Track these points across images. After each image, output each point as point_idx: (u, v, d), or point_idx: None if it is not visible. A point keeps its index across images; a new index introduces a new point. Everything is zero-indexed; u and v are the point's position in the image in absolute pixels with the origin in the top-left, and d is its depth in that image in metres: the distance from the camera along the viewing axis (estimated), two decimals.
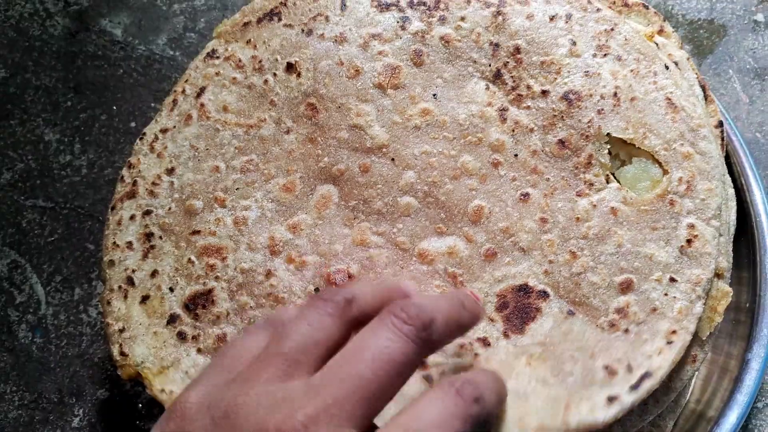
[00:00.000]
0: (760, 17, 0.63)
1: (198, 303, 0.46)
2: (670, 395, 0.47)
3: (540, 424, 0.41)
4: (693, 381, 0.53)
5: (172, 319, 0.46)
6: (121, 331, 0.46)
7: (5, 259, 0.61)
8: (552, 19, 0.51)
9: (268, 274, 0.46)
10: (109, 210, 0.50)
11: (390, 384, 0.32)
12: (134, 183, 0.50)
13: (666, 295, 0.44)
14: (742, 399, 0.49)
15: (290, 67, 0.51)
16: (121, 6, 0.69)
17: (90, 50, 0.68)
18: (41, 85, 0.67)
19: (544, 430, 0.40)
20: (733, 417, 0.48)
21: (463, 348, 0.45)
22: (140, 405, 0.57)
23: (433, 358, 0.44)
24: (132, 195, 0.50)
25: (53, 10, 0.69)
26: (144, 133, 0.52)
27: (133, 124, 0.65)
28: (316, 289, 0.46)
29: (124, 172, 0.51)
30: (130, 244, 0.48)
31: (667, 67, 0.49)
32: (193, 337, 0.45)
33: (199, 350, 0.45)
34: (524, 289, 0.46)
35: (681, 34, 0.48)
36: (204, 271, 0.47)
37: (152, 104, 0.66)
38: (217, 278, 0.47)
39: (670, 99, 0.49)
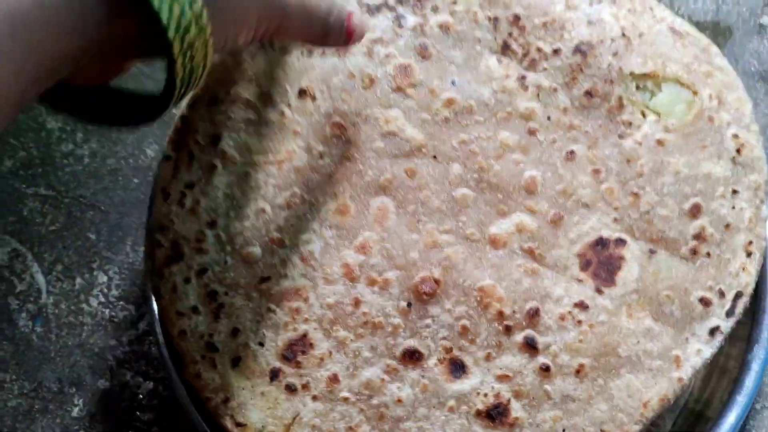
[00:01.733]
0: (766, 20, 0.65)
1: (296, 350, 0.44)
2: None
3: (661, 397, 0.42)
4: (692, 381, 0.52)
5: (275, 374, 0.44)
6: (225, 401, 0.43)
7: (6, 247, 0.61)
8: None
9: (356, 302, 0.45)
10: (155, 278, 0.47)
11: None
12: (175, 245, 0.48)
13: (734, 208, 0.46)
14: (741, 400, 0.49)
15: (303, 93, 0.50)
16: None
17: None
18: None
19: (665, 400, 0.42)
20: (731, 417, 0.49)
21: (564, 319, 0.45)
22: (140, 396, 0.57)
23: (542, 340, 0.44)
24: (177, 258, 0.47)
25: None
26: (168, 193, 0.49)
27: None
28: (408, 304, 0.45)
29: (158, 236, 0.49)
30: (195, 309, 0.46)
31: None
32: (303, 386, 0.44)
33: (314, 398, 0.43)
34: (601, 242, 0.46)
35: None
36: (290, 317, 0.45)
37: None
38: (306, 320, 0.45)
39: (673, 27, 0.50)
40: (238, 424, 0.43)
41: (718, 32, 0.65)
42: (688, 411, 0.52)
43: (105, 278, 0.60)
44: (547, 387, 0.43)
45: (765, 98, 0.63)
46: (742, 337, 0.51)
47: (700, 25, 0.66)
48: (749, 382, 0.49)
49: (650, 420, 0.43)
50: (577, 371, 0.44)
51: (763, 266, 0.52)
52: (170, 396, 0.56)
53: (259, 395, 0.44)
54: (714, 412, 0.50)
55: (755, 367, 0.50)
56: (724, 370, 0.52)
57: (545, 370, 0.44)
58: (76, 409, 0.57)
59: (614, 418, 0.43)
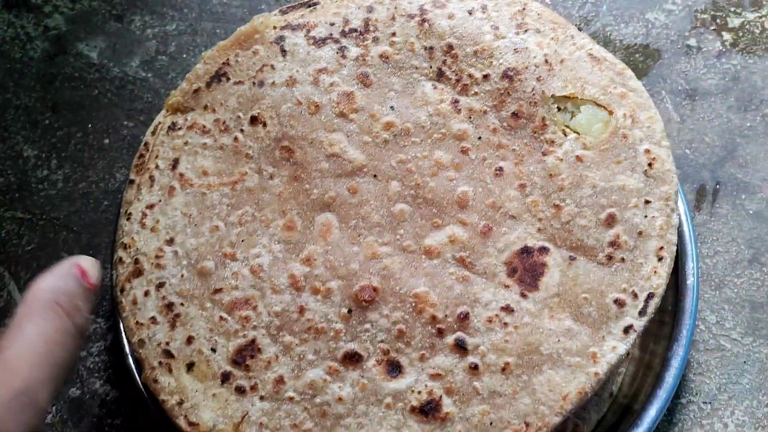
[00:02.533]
0: (692, 42, 0.70)
1: (245, 355, 0.48)
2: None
3: (579, 390, 0.46)
4: (621, 378, 0.57)
5: (226, 377, 0.48)
6: (180, 403, 0.47)
7: None
8: (470, 13, 0.56)
9: (301, 310, 0.49)
10: (117, 293, 0.51)
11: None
12: (136, 261, 0.52)
13: (646, 216, 0.50)
14: (662, 394, 0.53)
15: (254, 120, 0.54)
16: (97, 31, 0.74)
17: (67, 72, 0.73)
18: (21, 104, 0.72)
19: (583, 393, 0.46)
20: (653, 411, 0.53)
21: (491, 321, 0.49)
22: (110, 402, 0.61)
23: (471, 341, 0.48)
24: (138, 273, 0.51)
25: (33, 34, 0.75)
26: (130, 213, 0.53)
27: (106, 141, 0.70)
28: (349, 311, 0.49)
29: (121, 253, 0.53)
30: (153, 319, 0.50)
31: (579, 29, 0.56)
32: (252, 388, 0.47)
33: (262, 398, 0.47)
34: (526, 251, 0.51)
35: (618, 58, 0.54)
36: (240, 324, 0.49)
37: (125, 122, 0.70)
38: (254, 327, 0.49)
39: (591, 54, 0.55)
40: (191, 424, 0.47)
41: (648, 54, 0.70)
42: (618, 405, 0.56)
43: None
44: (476, 384, 0.47)
45: (692, 114, 0.68)
46: (665, 336, 0.56)
47: (630, 48, 0.71)
48: (669, 377, 0.54)
49: (570, 412, 0.47)
50: (503, 369, 0.48)
51: (681, 270, 0.57)
52: (137, 402, 0.60)
53: (210, 397, 0.47)
54: (640, 405, 0.54)
55: (675, 363, 0.54)
56: (649, 367, 0.56)
57: (474, 368, 0.48)
58: (49, 416, 0.61)
59: (537, 411, 0.47)
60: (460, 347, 0.48)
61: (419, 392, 0.48)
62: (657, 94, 0.69)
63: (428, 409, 0.47)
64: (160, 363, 0.49)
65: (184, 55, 0.72)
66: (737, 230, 0.62)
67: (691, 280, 0.56)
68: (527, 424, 0.46)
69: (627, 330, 0.48)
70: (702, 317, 0.59)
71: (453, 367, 0.48)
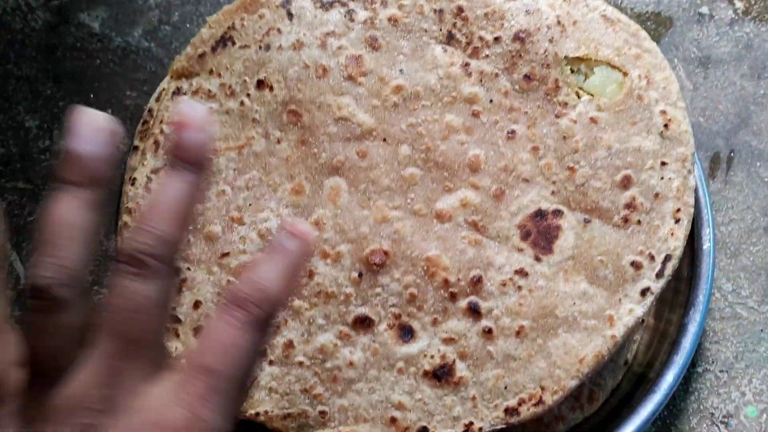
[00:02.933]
0: (704, 9, 0.68)
1: None
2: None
3: (595, 353, 0.45)
4: (636, 346, 0.56)
5: None
6: None
7: None
8: None
9: (310, 274, 0.48)
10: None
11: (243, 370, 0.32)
12: None
13: (662, 178, 0.49)
14: (678, 360, 0.52)
15: (261, 84, 0.53)
16: (99, 1, 0.73)
17: (69, 42, 0.72)
18: (22, 75, 0.71)
19: (599, 356, 0.45)
20: (670, 377, 0.52)
21: (505, 285, 0.48)
22: None
23: (485, 305, 0.47)
24: None
25: (34, 4, 0.73)
26: (134, 178, 0.52)
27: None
28: (360, 274, 0.48)
29: (126, 218, 0.52)
30: None
31: None
32: (260, 352, 0.46)
33: (271, 362, 0.46)
34: (539, 214, 0.50)
35: None
36: None
37: (127, 92, 0.69)
38: None
39: (605, 15, 0.54)
40: None
41: (659, 22, 0.69)
42: (632, 373, 0.55)
43: None
44: (490, 348, 0.47)
45: (704, 82, 0.66)
46: (681, 304, 0.55)
47: (642, 16, 0.69)
48: (686, 343, 0.52)
49: (586, 375, 0.46)
50: (518, 332, 0.47)
51: (697, 232, 0.56)
52: None
53: None
54: (655, 373, 0.53)
55: (692, 329, 0.53)
56: (664, 335, 0.55)
57: (488, 332, 0.47)
58: None
59: (552, 375, 0.46)
60: (474, 311, 0.47)
61: (432, 356, 0.47)
62: (669, 62, 0.66)
63: (441, 374, 0.46)
64: (166, 328, 0.47)
65: (188, 25, 0.71)
66: (752, 198, 0.61)
67: (707, 246, 0.54)
68: (543, 388, 0.45)
69: (644, 292, 0.47)
70: (718, 285, 0.58)
71: (466, 331, 0.47)
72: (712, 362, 0.56)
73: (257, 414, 0.46)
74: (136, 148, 0.54)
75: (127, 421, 0.29)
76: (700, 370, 0.56)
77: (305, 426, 0.46)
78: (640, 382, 0.54)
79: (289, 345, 0.47)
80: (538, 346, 0.46)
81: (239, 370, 0.31)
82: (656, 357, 0.54)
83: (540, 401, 0.45)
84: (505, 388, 0.46)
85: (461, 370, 0.46)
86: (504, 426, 0.45)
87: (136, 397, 0.30)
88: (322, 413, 0.46)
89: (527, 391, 0.45)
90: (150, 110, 0.55)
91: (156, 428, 0.29)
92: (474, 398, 0.46)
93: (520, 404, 0.45)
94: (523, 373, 0.46)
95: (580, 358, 0.46)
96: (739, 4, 0.69)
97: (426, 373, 0.46)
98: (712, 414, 0.54)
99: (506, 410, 0.45)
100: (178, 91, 0.54)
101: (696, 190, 0.57)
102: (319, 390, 0.46)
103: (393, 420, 0.45)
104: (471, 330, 0.47)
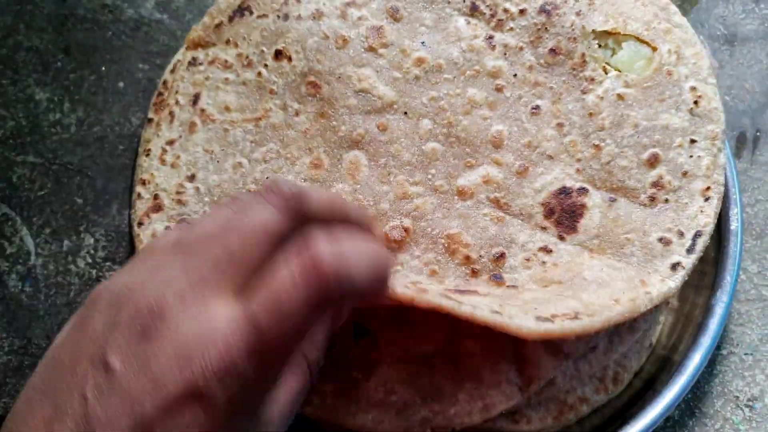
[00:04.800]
0: None
1: None
2: (634, 334, 0.50)
3: (631, 297, 0.43)
4: (660, 328, 0.54)
5: None
6: None
7: None
8: None
9: None
10: (135, 227, 0.49)
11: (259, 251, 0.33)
12: (156, 197, 0.50)
13: (691, 156, 0.48)
14: (705, 341, 0.50)
15: (279, 54, 0.52)
16: None
17: (80, 13, 0.71)
18: (32, 46, 0.70)
19: (635, 301, 0.43)
20: (696, 358, 0.50)
21: (529, 260, 0.47)
22: None
23: (508, 276, 0.46)
24: (158, 208, 0.49)
25: None
26: (149, 150, 0.51)
27: (120, 84, 0.67)
28: None
29: (139, 189, 0.51)
30: None
31: None
32: None
33: None
34: (564, 191, 0.48)
35: None
36: None
37: (140, 65, 0.68)
38: None
39: None
40: None
41: None
42: (656, 356, 0.54)
43: (92, 240, 0.62)
44: (515, 301, 0.44)
45: (730, 60, 0.65)
46: (707, 286, 0.53)
47: None
48: (713, 324, 0.51)
49: (621, 315, 0.41)
50: (545, 288, 0.45)
51: (724, 212, 0.54)
52: None
53: None
54: (680, 356, 0.51)
55: (719, 311, 0.52)
56: (689, 318, 0.53)
57: (512, 287, 0.45)
58: None
59: (588, 306, 0.42)
60: (498, 280, 0.46)
61: None
62: None
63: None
64: None
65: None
66: None
67: (735, 226, 0.53)
68: (577, 313, 0.41)
69: (675, 267, 0.46)
70: (743, 267, 0.57)
71: (489, 292, 0.45)
72: (737, 345, 0.55)
73: None
74: (150, 120, 0.53)
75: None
76: (724, 352, 0.55)
77: None
78: (665, 364, 0.52)
79: None
80: (569, 295, 0.44)
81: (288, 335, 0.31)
82: (681, 340, 0.53)
83: (575, 317, 0.41)
84: (535, 309, 0.42)
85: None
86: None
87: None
88: None
89: (560, 311, 0.42)
90: (165, 82, 0.54)
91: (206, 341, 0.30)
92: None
93: (552, 317, 0.40)
94: (554, 305, 0.43)
95: (615, 298, 0.43)
96: None
97: None
98: (737, 397, 0.53)
99: (538, 317, 0.40)
100: (194, 62, 0.53)
101: (724, 170, 0.55)
102: None
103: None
104: (494, 292, 0.46)
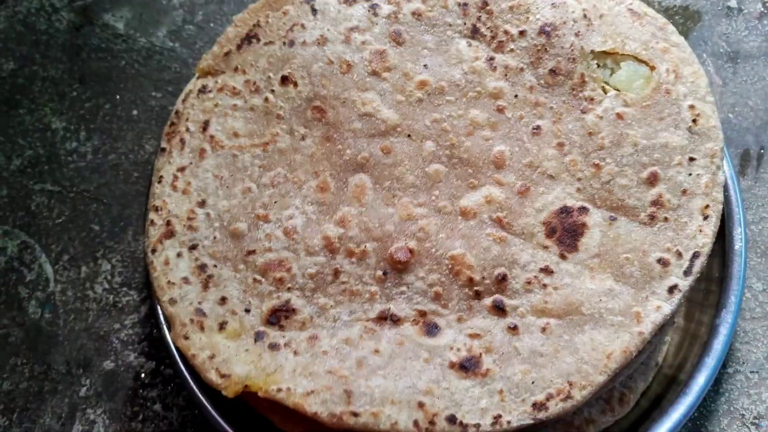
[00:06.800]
0: (733, 3, 0.68)
1: (280, 315, 0.47)
2: (639, 356, 0.50)
3: (623, 349, 0.44)
4: (666, 348, 0.55)
5: (259, 336, 0.47)
6: (211, 357, 0.46)
7: (16, 240, 0.65)
8: None
9: (336, 272, 0.48)
10: (149, 254, 0.51)
11: None
12: (168, 223, 0.51)
13: (690, 174, 0.49)
14: (710, 362, 0.51)
15: (285, 80, 0.53)
16: (123, 1, 0.74)
17: (94, 43, 0.73)
18: (48, 76, 0.72)
19: (627, 353, 0.44)
20: (701, 379, 0.50)
21: (530, 283, 0.48)
22: (143, 375, 0.61)
23: (509, 303, 0.47)
24: (170, 234, 0.51)
25: (59, 5, 0.75)
26: (161, 177, 0.53)
27: (135, 112, 0.69)
28: (384, 273, 0.48)
29: (152, 215, 0.52)
30: (186, 280, 0.49)
31: None
32: (286, 344, 0.47)
33: (295, 353, 0.46)
34: (565, 210, 0.49)
35: None
36: (274, 286, 0.48)
37: (153, 93, 0.70)
38: (289, 289, 0.48)
39: (631, 9, 0.53)
40: (223, 376, 0.45)
41: (687, 16, 0.68)
42: (663, 375, 0.54)
43: (108, 266, 0.64)
44: (516, 344, 0.46)
45: (734, 77, 0.65)
46: (712, 305, 0.54)
47: (670, 10, 0.68)
48: (717, 345, 0.51)
49: (614, 372, 0.45)
50: (543, 329, 0.46)
51: (728, 236, 0.55)
52: (171, 373, 0.60)
53: (243, 352, 0.46)
54: (686, 375, 0.52)
55: (723, 330, 0.52)
56: (695, 337, 0.54)
57: (513, 329, 0.46)
58: (84, 389, 0.60)
59: (580, 370, 0.45)
60: (499, 309, 0.47)
61: (458, 349, 0.46)
62: (698, 57, 0.66)
63: (468, 365, 0.46)
64: (191, 320, 0.48)
65: (212, 24, 0.72)
66: None
67: (738, 246, 0.53)
68: (571, 384, 0.45)
69: (671, 290, 0.47)
70: (748, 285, 0.57)
71: (492, 327, 0.47)
72: (743, 363, 0.55)
73: (278, 390, 0.45)
74: (163, 149, 0.54)
75: None
76: (730, 371, 0.55)
77: (328, 402, 0.45)
78: (671, 384, 0.53)
79: (314, 338, 0.46)
80: (565, 342, 0.46)
81: None
82: (687, 359, 0.53)
83: (568, 396, 0.44)
84: (533, 383, 0.45)
85: (488, 362, 0.46)
86: (532, 421, 0.44)
87: None
88: (347, 392, 0.45)
89: (555, 386, 0.45)
90: (177, 112, 0.56)
91: None
92: (501, 392, 0.45)
93: (548, 399, 0.44)
94: (550, 368, 0.45)
95: (607, 353, 0.45)
96: None
97: (453, 364, 0.46)
98: (743, 415, 0.53)
99: (534, 405, 0.44)
100: (203, 89, 0.55)
101: (726, 188, 0.56)
102: (344, 372, 0.45)
103: (421, 405, 0.45)
104: (496, 327, 0.47)
